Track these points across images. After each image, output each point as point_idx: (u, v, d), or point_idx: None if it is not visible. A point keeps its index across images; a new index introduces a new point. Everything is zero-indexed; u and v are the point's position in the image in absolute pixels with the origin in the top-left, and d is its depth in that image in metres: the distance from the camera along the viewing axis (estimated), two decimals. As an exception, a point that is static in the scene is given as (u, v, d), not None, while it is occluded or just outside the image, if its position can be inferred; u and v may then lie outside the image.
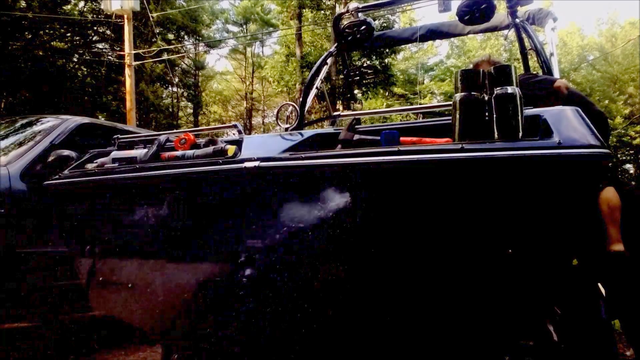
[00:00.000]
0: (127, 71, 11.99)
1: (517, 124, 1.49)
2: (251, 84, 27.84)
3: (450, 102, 1.63)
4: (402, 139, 1.73)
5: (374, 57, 18.82)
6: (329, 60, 3.44)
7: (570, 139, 1.41)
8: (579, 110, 1.53)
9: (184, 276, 1.93)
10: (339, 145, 1.85)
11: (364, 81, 19.13)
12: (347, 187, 1.63)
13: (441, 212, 1.57)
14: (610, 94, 23.44)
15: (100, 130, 3.76)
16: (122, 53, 12.65)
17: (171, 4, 19.23)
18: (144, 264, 2.05)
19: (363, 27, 3.28)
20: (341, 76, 15.71)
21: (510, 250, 1.56)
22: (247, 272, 1.76)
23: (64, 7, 16.00)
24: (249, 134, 9.54)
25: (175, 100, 23.77)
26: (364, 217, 1.63)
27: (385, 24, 18.18)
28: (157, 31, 17.70)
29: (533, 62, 3.52)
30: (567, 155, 1.38)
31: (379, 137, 1.76)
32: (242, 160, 1.76)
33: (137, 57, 12.80)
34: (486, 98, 1.54)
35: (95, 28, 17.07)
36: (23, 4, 14.14)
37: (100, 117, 15.51)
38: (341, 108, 14.93)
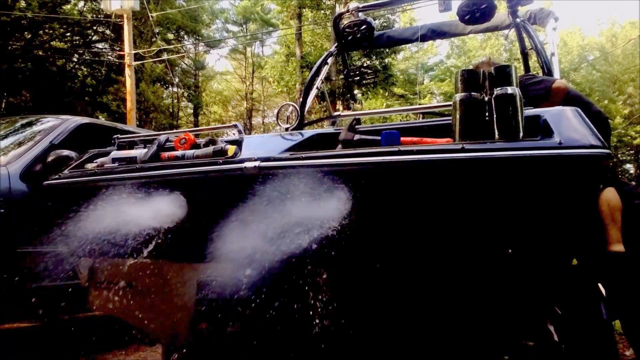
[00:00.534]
0: (127, 71, 12.01)
1: (517, 124, 1.48)
2: (251, 84, 27.84)
3: (451, 102, 1.63)
4: (402, 139, 1.73)
5: (374, 57, 18.83)
6: (329, 60, 3.44)
7: (570, 139, 1.41)
8: (579, 110, 1.52)
9: (184, 276, 1.93)
10: (340, 146, 1.85)
11: (364, 81, 19.15)
12: (347, 187, 1.63)
13: (442, 212, 1.57)
14: (609, 94, 23.44)
15: (100, 130, 3.76)
16: (122, 53, 12.67)
17: (171, 4, 19.24)
18: (144, 264, 2.04)
19: (363, 27, 3.27)
20: (341, 76, 15.71)
21: (510, 251, 1.56)
22: (247, 272, 1.76)
23: (64, 7, 16.00)
24: (249, 134, 9.52)
25: (175, 101, 23.77)
26: (364, 217, 1.63)
27: (385, 24, 18.18)
28: (157, 31, 17.70)
29: (533, 62, 3.52)
30: (567, 155, 1.38)
31: (379, 137, 1.75)
32: (242, 160, 1.76)
33: (137, 57, 12.81)
34: (486, 98, 1.54)
35: (94, 28, 17.07)
36: (23, 4, 14.14)
37: (100, 117, 15.51)
38: (341, 108, 14.91)
